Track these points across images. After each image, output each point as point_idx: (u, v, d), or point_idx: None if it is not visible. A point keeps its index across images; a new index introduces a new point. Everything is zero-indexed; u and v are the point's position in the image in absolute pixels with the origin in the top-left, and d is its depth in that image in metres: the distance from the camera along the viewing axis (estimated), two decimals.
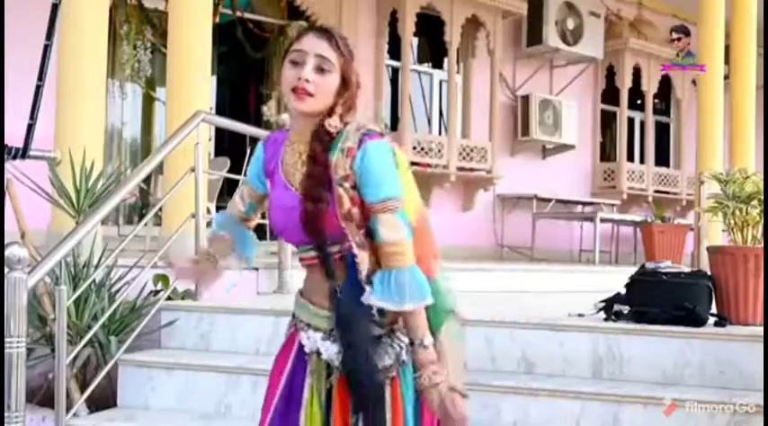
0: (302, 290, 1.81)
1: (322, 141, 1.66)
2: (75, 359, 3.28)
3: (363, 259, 1.63)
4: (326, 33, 1.68)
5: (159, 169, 4.55)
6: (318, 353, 1.72)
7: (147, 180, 6.12)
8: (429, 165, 8.01)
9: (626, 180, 9.73)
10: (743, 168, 3.63)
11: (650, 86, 9.92)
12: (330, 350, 1.70)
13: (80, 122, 4.20)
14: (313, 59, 1.65)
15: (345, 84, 1.68)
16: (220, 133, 7.35)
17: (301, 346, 1.75)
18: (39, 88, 3.85)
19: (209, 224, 4.65)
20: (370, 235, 1.63)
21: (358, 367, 1.63)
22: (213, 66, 5.59)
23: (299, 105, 1.65)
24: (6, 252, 2.61)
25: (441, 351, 1.65)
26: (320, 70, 1.65)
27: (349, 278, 1.65)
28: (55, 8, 3.82)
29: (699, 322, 3.23)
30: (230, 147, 7.88)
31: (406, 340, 1.67)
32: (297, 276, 4.25)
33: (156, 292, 3.85)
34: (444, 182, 8.18)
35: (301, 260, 1.76)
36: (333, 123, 1.67)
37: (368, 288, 1.62)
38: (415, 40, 8.58)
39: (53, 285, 3.36)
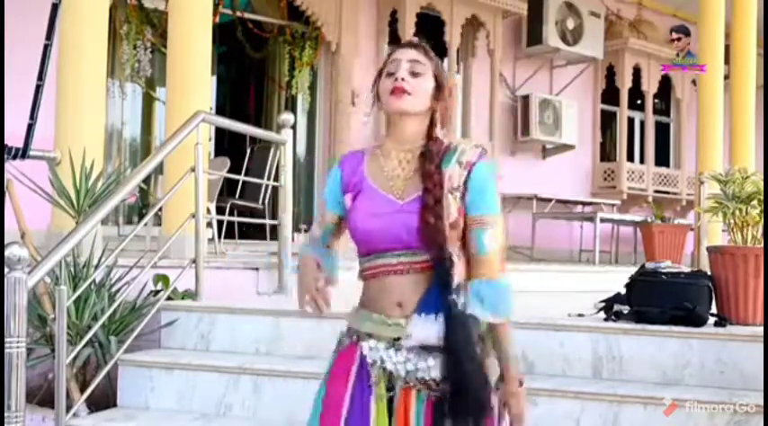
0: (362, 301, 1.79)
1: (433, 159, 1.71)
2: (75, 359, 3.28)
3: (459, 269, 1.71)
4: (416, 45, 1.79)
5: (159, 169, 4.55)
6: (382, 362, 1.71)
7: (147, 180, 6.12)
8: None
9: (626, 180, 9.74)
10: (743, 168, 3.61)
11: (650, 86, 9.93)
12: (394, 359, 1.70)
13: (80, 122, 4.20)
14: (406, 64, 1.74)
15: (439, 88, 1.76)
16: (220, 133, 7.36)
17: (363, 358, 1.73)
18: (39, 88, 3.86)
19: (209, 224, 4.66)
20: (465, 246, 1.73)
21: (467, 376, 1.65)
22: (213, 66, 5.59)
23: (399, 103, 1.71)
24: (6, 252, 2.62)
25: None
26: (414, 73, 1.73)
27: (433, 287, 1.69)
28: (55, 8, 3.83)
29: (699, 322, 3.22)
30: (230, 147, 7.90)
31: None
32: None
33: (156, 292, 3.85)
34: None
35: (372, 268, 1.73)
36: (438, 133, 1.76)
37: (455, 297, 1.68)
38: (415, 41, 8.57)
39: (53, 285, 3.36)
